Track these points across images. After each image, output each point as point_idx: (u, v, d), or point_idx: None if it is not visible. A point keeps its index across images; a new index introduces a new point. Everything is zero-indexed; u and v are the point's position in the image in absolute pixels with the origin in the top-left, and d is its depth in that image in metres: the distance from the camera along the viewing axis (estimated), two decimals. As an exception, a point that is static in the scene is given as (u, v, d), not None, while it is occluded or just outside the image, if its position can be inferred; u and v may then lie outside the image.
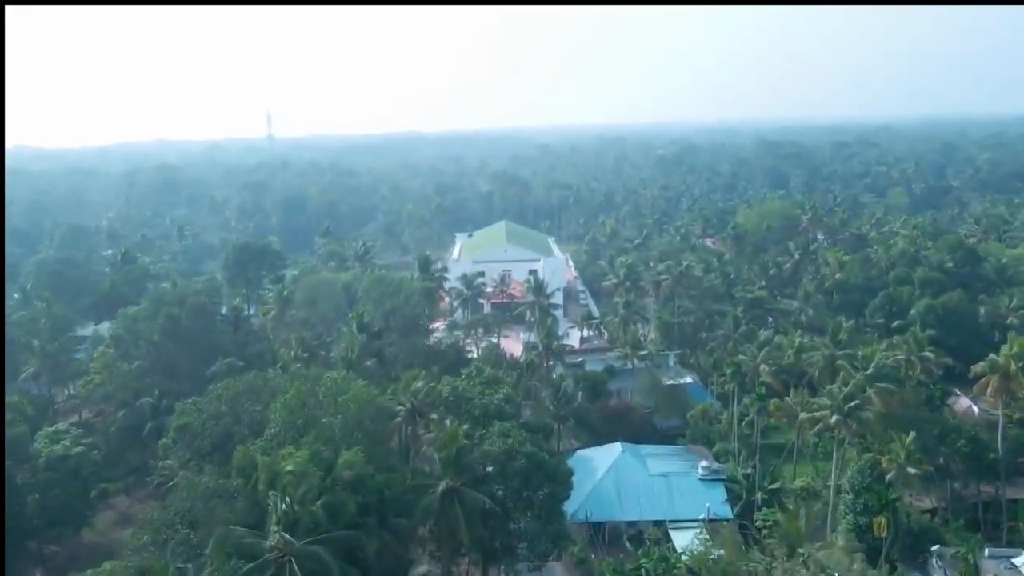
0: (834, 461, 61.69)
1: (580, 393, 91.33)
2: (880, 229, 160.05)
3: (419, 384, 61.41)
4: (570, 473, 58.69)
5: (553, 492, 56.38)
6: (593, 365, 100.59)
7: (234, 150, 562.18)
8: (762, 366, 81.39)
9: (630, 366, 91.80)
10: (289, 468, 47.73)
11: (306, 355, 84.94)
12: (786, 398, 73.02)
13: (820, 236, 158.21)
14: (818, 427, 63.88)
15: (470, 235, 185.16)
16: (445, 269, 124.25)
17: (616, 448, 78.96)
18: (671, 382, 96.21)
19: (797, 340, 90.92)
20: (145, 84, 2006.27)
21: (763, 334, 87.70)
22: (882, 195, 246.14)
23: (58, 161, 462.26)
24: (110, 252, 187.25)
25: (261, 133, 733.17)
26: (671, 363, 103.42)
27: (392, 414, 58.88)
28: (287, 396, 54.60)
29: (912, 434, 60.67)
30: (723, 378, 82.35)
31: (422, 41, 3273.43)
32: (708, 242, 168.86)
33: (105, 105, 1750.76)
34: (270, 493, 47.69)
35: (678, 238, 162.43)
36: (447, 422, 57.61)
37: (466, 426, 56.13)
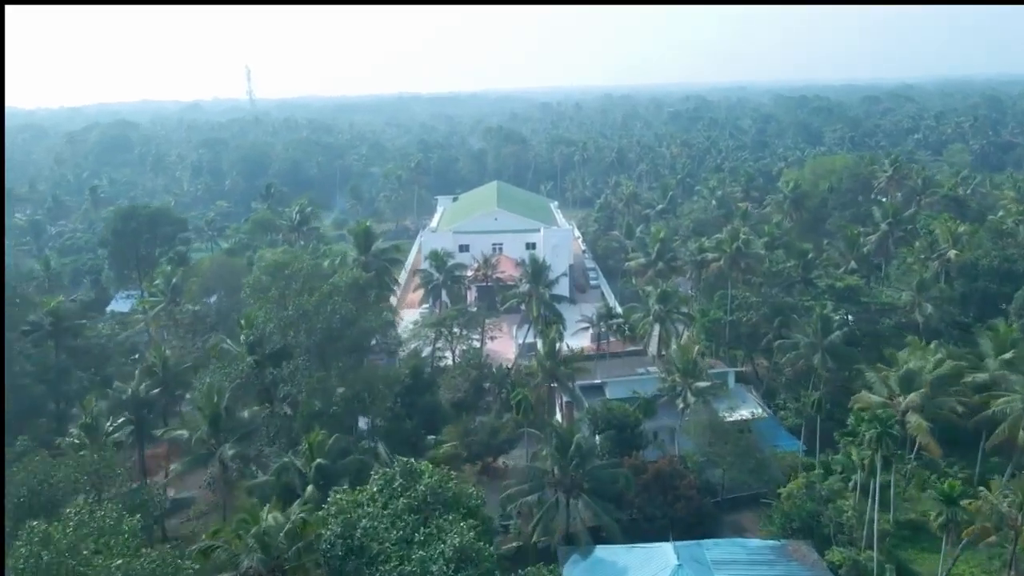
0: None
1: (599, 438, 59.22)
2: (966, 190, 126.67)
3: (273, 519, 28.35)
4: None
5: None
6: (616, 390, 67.95)
7: (213, 110, 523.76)
8: (911, 415, 48.54)
9: (682, 404, 58.78)
10: None
11: (157, 391, 52.31)
12: (984, 493, 40.27)
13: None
14: None
15: (455, 199, 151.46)
16: (395, 249, 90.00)
17: (667, 555, 46.67)
18: (736, 417, 63.65)
19: (932, 358, 58.35)
20: (132, 45, 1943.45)
21: (903, 356, 54.40)
22: (937, 152, 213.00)
23: (19, 120, 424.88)
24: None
25: (246, 93, 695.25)
26: (731, 383, 70.92)
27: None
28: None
29: None
30: (851, 439, 49.13)
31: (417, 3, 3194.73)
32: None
33: (91, 66, 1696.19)
34: None
35: (713, 202, 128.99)
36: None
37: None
